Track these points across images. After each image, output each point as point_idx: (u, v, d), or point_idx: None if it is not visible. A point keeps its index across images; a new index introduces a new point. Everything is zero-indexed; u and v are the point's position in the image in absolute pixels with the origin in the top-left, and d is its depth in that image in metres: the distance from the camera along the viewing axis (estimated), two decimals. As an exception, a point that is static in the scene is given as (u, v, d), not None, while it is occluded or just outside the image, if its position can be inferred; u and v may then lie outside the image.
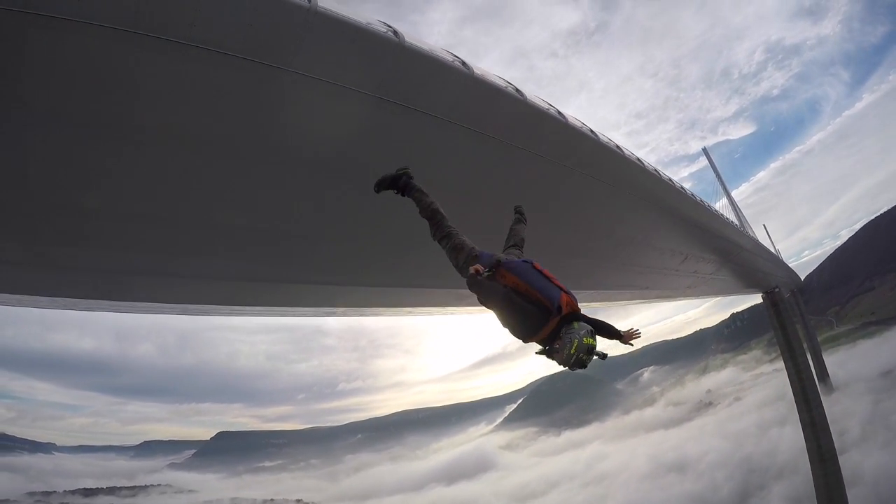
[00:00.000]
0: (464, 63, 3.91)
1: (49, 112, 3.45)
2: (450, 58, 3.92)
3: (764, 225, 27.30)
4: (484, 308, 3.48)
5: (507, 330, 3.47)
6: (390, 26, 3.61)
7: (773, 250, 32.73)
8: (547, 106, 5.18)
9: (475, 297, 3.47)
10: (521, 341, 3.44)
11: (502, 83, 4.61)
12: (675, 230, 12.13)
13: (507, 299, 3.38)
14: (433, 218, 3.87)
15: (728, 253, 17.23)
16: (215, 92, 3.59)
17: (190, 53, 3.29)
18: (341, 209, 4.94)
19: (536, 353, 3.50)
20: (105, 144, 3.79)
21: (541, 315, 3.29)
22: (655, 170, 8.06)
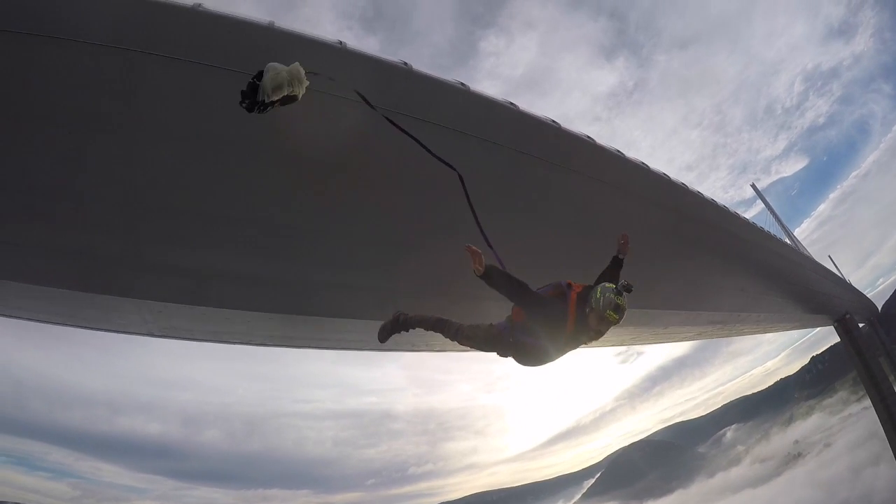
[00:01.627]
0: (462, 84, 5.07)
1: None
2: (454, 81, 5.10)
3: (829, 256, 26.30)
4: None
5: (547, 344, 3.74)
6: (406, 63, 4.83)
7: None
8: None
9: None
10: (562, 346, 3.72)
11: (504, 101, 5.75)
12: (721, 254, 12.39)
13: (530, 313, 3.74)
14: (440, 327, 4.16)
15: (782, 273, 16.81)
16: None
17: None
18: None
19: (576, 342, 3.76)
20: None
21: (559, 302, 3.75)
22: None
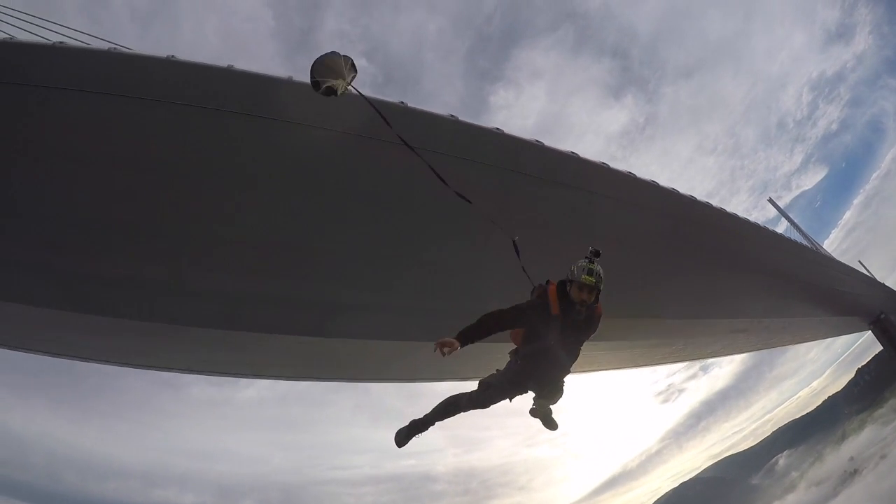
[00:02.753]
0: (452, 115, 6.06)
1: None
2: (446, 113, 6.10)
3: (860, 261, 25.79)
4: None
5: (548, 336, 3.87)
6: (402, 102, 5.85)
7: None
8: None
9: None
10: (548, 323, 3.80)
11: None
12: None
13: (520, 323, 3.90)
14: (453, 408, 4.22)
15: (799, 274, 16.84)
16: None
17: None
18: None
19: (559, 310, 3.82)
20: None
21: (540, 297, 3.93)
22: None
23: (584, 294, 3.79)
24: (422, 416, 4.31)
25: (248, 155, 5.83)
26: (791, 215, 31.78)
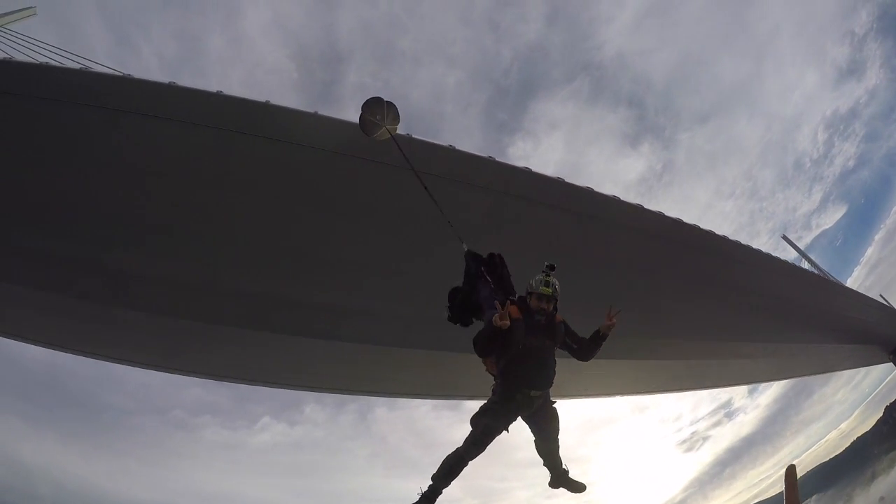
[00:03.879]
0: (451, 145, 7.26)
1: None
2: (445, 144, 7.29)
3: (881, 295, 25.78)
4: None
5: (520, 340, 4.13)
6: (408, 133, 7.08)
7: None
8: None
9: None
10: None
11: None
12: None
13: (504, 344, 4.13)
14: (455, 468, 4.22)
15: (799, 299, 17.26)
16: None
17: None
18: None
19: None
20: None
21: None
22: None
23: (543, 303, 4.28)
24: (429, 484, 4.27)
25: (278, 177, 7.13)
26: (812, 255, 31.90)
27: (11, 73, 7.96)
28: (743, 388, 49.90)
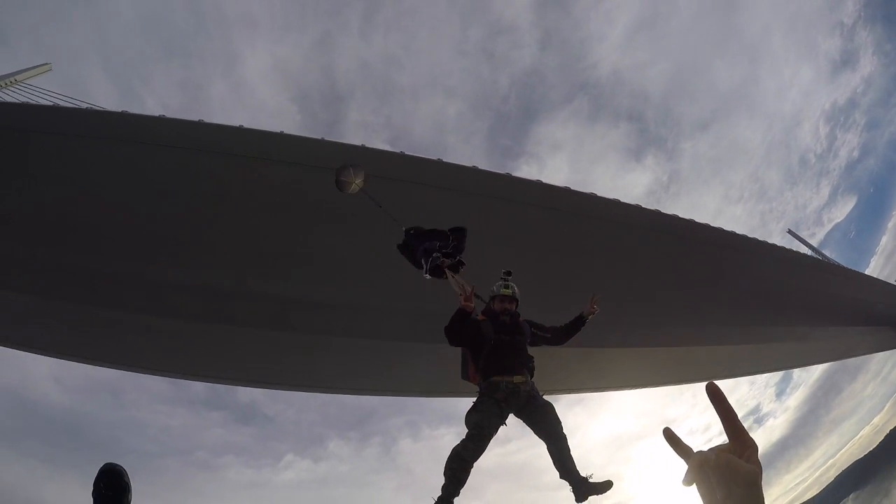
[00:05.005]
0: (439, 158, 8.66)
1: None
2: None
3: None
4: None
5: (492, 338, 4.58)
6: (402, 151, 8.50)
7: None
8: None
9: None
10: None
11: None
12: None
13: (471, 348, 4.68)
14: (460, 470, 4.27)
15: (792, 280, 18.02)
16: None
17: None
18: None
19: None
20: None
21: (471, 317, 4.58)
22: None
23: (506, 303, 4.83)
24: (439, 495, 4.29)
25: (293, 196, 8.63)
26: (827, 250, 32.45)
27: (60, 116, 9.58)
28: (770, 392, 49.89)
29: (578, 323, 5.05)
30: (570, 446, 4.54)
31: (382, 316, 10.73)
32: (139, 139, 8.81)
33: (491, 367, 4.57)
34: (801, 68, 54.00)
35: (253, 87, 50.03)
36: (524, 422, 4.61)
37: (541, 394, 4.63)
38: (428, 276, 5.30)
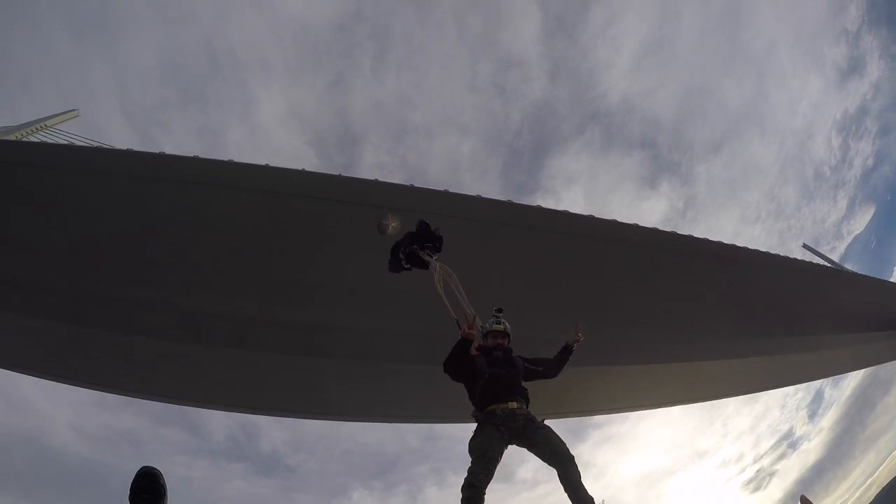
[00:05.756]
0: (447, 189, 9.51)
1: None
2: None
3: None
4: None
5: (487, 372, 4.77)
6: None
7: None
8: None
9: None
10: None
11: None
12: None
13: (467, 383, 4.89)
14: (475, 493, 4.27)
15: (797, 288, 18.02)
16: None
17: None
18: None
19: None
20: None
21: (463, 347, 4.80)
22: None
23: (499, 339, 5.06)
24: None
25: (315, 228, 9.60)
26: (848, 264, 32.33)
27: (102, 156, 10.66)
28: (802, 415, 48.89)
29: (566, 352, 5.30)
30: (581, 472, 4.46)
31: (399, 339, 11.48)
32: (173, 178, 9.86)
33: (487, 398, 4.73)
34: (809, 79, 54.37)
35: (269, 131, 51.88)
36: (528, 449, 4.67)
37: (541, 419, 4.74)
38: (407, 266, 5.73)
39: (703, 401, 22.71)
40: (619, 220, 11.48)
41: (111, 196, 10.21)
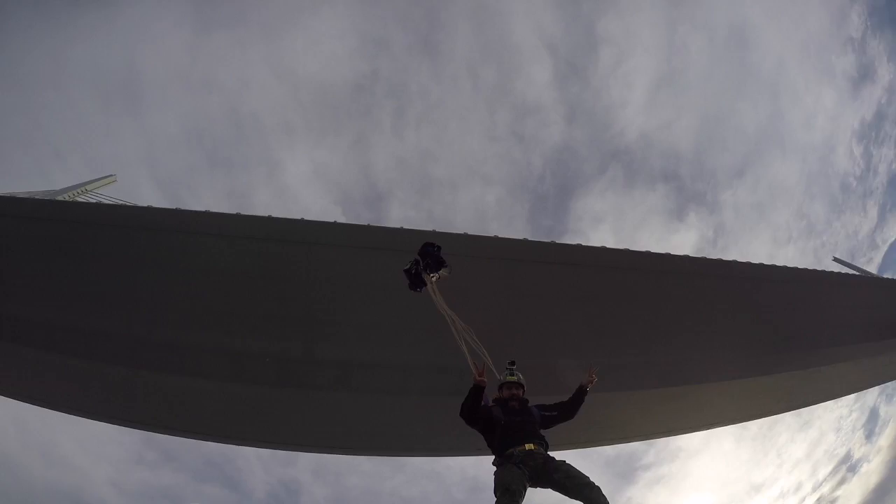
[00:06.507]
0: (465, 232, 10.59)
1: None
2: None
3: None
4: None
5: (505, 422, 4.99)
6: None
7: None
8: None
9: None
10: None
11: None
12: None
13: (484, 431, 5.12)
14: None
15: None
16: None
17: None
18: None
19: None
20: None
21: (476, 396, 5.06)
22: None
23: (513, 389, 5.34)
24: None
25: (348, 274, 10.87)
26: (888, 273, 31.61)
27: (159, 215, 12.06)
28: (859, 436, 47.18)
29: (581, 394, 5.47)
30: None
31: (429, 374, 12.41)
32: (219, 232, 11.29)
33: (505, 443, 4.88)
34: (822, 92, 54.24)
35: (296, 191, 54.01)
36: (551, 487, 4.73)
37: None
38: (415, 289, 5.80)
39: (740, 422, 22.53)
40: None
41: (166, 250, 11.62)
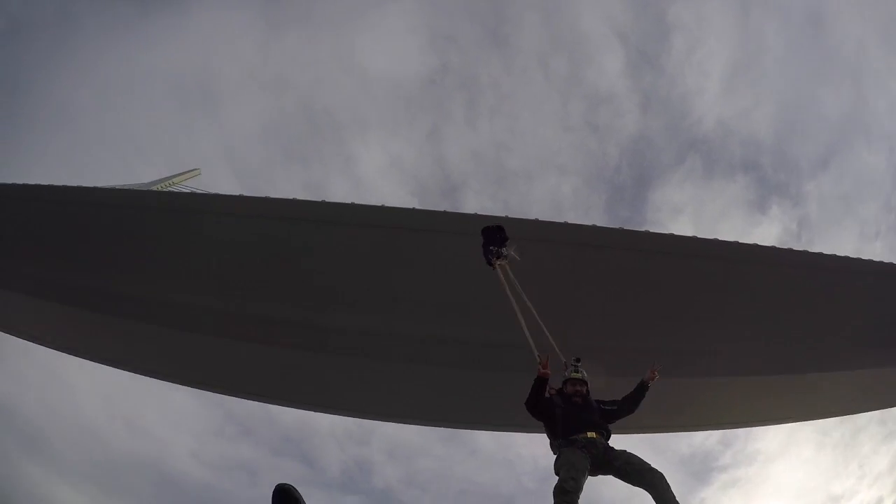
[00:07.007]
0: (536, 218, 11.23)
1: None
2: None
3: None
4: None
5: (567, 412, 5.33)
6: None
7: None
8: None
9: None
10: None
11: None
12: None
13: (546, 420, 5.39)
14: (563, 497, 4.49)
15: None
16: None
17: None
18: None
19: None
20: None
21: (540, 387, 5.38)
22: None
23: (577, 386, 5.61)
24: None
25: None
26: None
27: (239, 202, 13.48)
28: None
29: (642, 390, 5.70)
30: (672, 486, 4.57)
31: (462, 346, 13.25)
32: (312, 218, 12.61)
33: (568, 430, 5.15)
34: None
35: (371, 184, 55.71)
36: (613, 475, 4.97)
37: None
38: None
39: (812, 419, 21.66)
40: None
41: (259, 235, 13.12)
